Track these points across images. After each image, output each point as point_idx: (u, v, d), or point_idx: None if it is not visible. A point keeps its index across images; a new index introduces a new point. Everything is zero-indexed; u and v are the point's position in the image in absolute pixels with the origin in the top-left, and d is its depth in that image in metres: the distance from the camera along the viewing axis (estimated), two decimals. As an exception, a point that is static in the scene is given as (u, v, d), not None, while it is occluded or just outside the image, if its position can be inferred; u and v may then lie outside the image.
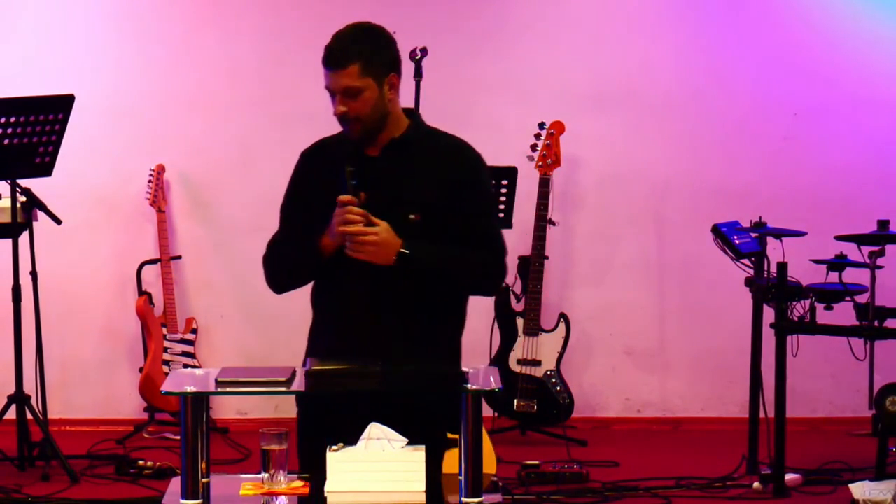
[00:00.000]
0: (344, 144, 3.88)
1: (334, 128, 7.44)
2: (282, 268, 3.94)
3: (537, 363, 6.85)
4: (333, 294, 3.88)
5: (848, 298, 5.97)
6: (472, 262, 3.85)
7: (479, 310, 6.93)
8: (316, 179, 3.90)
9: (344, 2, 7.10)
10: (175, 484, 3.47)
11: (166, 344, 7.03)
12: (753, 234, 6.22)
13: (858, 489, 5.60)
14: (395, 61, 3.84)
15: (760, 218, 6.31)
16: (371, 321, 3.81)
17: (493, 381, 3.45)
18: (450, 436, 5.55)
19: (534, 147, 6.80)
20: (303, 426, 3.90)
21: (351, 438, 3.50)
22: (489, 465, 5.34)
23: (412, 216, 3.77)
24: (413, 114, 3.93)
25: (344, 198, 3.74)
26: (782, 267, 5.94)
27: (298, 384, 3.44)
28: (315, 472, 3.53)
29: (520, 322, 6.85)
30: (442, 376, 3.53)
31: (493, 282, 3.98)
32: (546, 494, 5.89)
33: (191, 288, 7.26)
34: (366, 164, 3.82)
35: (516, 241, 7.02)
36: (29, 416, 6.24)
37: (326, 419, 3.74)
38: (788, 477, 5.93)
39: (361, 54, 3.77)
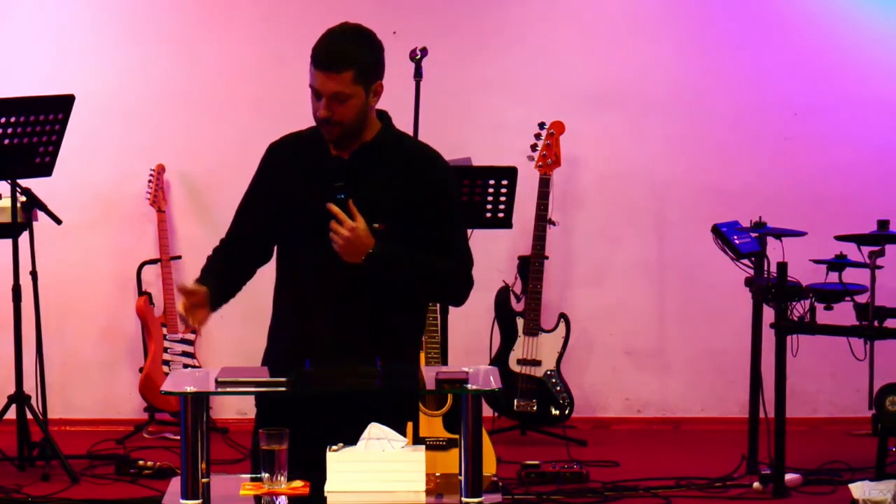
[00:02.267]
0: (315, 143, 3.83)
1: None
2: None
3: (537, 363, 6.85)
4: (295, 296, 3.86)
5: (848, 298, 5.97)
6: (438, 270, 3.81)
7: (479, 310, 6.96)
8: (283, 173, 3.87)
9: (344, 2, 7.12)
10: (175, 484, 3.47)
11: (166, 344, 7.03)
12: (753, 234, 6.22)
13: (858, 489, 5.60)
14: (382, 69, 3.78)
15: (760, 218, 6.31)
16: (330, 323, 3.78)
17: (493, 382, 3.45)
18: (449, 436, 5.58)
19: (534, 147, 6.80)
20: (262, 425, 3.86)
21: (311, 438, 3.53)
22: (489, 465, 5.36)
23: (376, 225, 3.72)
24: (384, 116, 3.87)
25: (332, 207, 3.70)
26: (782, 267, 5.94)
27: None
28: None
29: (520, 322, 6.85)
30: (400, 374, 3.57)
31: (458, 292, 3.89)
32: (546, 494, 5.89)
33: (191, 288, 7.24)
34: (335, 165, 3.80)
35: (516, 241, 7.03)
36: (29, 416, 6.24)
37: (286, 419, 3.68)
38: (788, 477, 5.93)
39: (357, 61, 3.69)
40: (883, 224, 6.03)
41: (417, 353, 4.02)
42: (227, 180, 7.20)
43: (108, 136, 7.15)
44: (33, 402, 6.22)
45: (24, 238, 6.20)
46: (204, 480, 3.41)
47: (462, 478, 3.36)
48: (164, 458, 6.38)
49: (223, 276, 3.94)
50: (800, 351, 6.22)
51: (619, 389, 7.37)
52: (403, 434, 3.64)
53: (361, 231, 3.69)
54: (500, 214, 6.38)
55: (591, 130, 7.18)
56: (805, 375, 7.02)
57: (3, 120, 6.02)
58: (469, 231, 6.53)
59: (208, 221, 7.22)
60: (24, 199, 6.16)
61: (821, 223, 6.74)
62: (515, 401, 6.82)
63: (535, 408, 6.83)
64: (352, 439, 3.48)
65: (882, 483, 5.65)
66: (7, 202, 6.15)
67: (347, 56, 3.68)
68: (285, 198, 3.83)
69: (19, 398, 6.21)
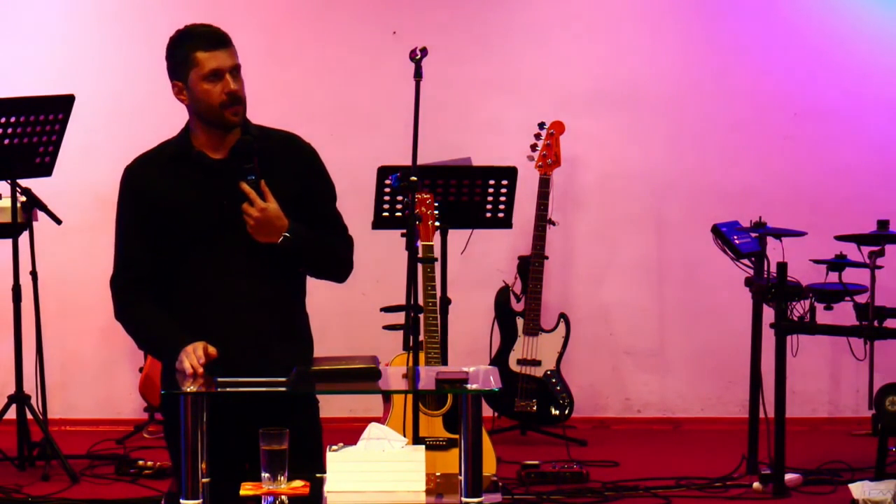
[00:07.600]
0: (183, 154, 3.88)
1: (335, 125, 7.40)
2: (134, 334, 4.09)
3: (537, 363, 6.85)
4: (202, 298, 3.86)
5: (848, 298, 5.97)
6: (338, 247, 3.94)
7: (479, 310, 6.96)
8: (159, 187, 3.90)
9: (344, 3, 7.12)
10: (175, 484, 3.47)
11: (166, 344, 7.01)
12: (753, 234, 6.22)
13: (858, 489, 5.60)
14: None
15: (760, 218, 6.31)
16: (244, 314, 3.81)
17: (493, 382, 3.45)
18: (449, 436, 5.58)
19: (534, 147, 6.80)
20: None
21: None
22: (489, 465, 5.36)
23: None
24: None
25: (245, 186, 3.77)
26: (782, 267, 5.94)
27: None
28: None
29: (520, 322, 6.85)
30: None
31: (349, 267, 4.00)
32: (546, 494, 5.89)
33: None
34: (215, 168, 3.85)
35: (516, 241, 7.03)
36: (29, 416, 6.24)
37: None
38: (788, 477, 5.93)
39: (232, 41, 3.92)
40: (883, 224, 6.03)
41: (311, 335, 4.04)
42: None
43: (108, 136, 7.15)
44: (33, 402, 6.22)
45: (24, 238, 6.20)
46: (204, 480, 3.41)
47: (462, 478, 3.36)
48: (164, 458, 6.37)
49: (168, 316, 3.92)
50: (800, 351, 6.23)
51: (619, 389, 7.37)
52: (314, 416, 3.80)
53: (273, 211, 3.77)
54: (500, 214, 6.38)
55: (591, 130, 7.17)
56: (805, 375, 7.02)
57: (3, 120, 6.02)
58: (469, 231, 6.57)
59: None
60: (24, 199, 6.16)
61: (821, 223, 6.74)
62: (515, 401, 6.82)
63: (535, 408, 6.83)
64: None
65: (882, 483, 5.66)
66: (7, 202, 6.15)
67: (226, 35, 3.97)
68: (171, 208, 3.86)
69: (19, 398, 6.21)
